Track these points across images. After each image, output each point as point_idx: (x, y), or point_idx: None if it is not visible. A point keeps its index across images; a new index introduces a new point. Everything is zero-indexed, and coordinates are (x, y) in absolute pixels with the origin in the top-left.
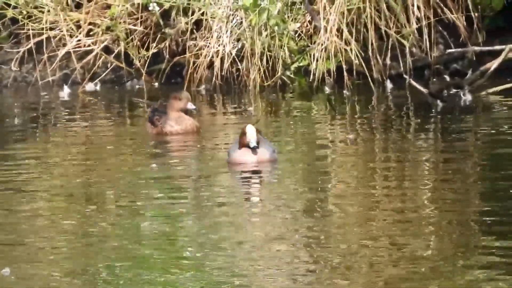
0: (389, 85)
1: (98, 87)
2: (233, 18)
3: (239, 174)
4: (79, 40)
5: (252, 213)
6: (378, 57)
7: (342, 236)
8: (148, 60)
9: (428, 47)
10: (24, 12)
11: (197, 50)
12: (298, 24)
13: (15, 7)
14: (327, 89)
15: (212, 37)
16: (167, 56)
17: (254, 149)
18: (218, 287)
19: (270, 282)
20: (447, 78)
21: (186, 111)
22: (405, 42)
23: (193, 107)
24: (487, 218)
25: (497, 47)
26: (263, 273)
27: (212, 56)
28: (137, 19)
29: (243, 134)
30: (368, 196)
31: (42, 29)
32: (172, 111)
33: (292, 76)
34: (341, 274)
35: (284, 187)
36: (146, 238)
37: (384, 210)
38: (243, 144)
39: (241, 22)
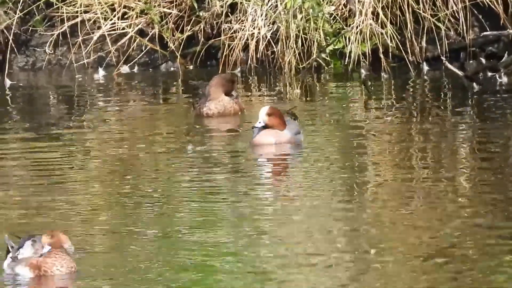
0: (425, 67)
1: (135, 69)
2: (268, 1)
3: (264, 155)
4: (114, 23)
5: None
6: (414, 40)
7: (379, 211)
8: (182, 43)
9: (464, 30)
10: None
11: (231, 33)
12: (333, 7)
13: None
14: (362, 72)
15: (247, 20)
16: (202, 39)
17: (254, 129)
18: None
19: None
20: (483, 60)
21: (230, 94)
22: (440, 25)
23: (235, 94)
24: None
25: None
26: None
27: (247, 39)
28: (172, 2)
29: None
30: (405, 181)
31: (77, 12)
32: (215, 93)
33: (327, 58)
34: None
35: (319, 169)
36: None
37: (420, 187)
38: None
39: (276, 5)
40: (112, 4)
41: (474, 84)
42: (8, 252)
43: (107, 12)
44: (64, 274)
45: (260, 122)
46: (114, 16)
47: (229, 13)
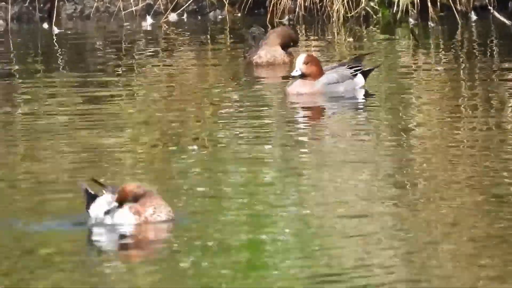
0: (473, 16)
1: (184, 17)
2: None
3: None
4: None
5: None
6: None
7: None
8: None
9: None
10: None
11: None
12: None
13: None
14: (411, 21)
15: None
16: None
17: (293, 78)
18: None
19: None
20: None
21: (285, 49)
22: None
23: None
24: None
25: None
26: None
27: None
28: None
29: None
30: (452, 136)
31: None
32: (272, 40)
33: (375, 7)
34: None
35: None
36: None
37: (468, 145)
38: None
39: None
40: None
41: None
42: (90, 198)
43: None
44: (163, 220)
45: (297, 71)
46: None
47: None
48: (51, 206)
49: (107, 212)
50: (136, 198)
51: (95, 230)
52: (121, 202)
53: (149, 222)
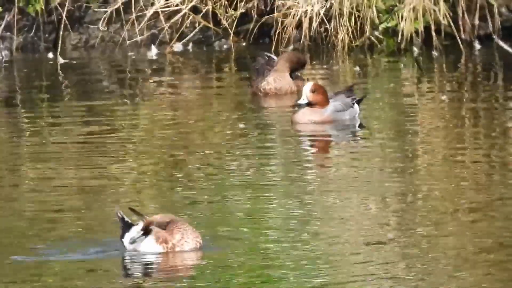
0: (477, 45)
1: (189, 47)
2: None
3: (304, 133)
4: (167, 0)
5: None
6: (467, 17)
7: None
8: (236, 20)
9: None
10: None
11: (285, 10)
12: None
13: None
14: (415, 50)
15: None
16: (255, 16)
17: (299, 106)
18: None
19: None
20: None
21: (294, 73)
22: (493, 2)
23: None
24: None
25: None
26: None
27: (301, 16)
28: None
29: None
30: (456, 163)
31: None
32: (282, 66)
33: (380, 36)
34: None
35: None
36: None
37: (471, 168)
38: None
39: None
40: None
41: None
42: (125, 227)
43: None
44: (191, 248)
45: (303, 99)
46: None
47: None
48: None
49: (132, 241)
50: (161, 226)
51: (126, 258)
52: (146, 229)
53: (176, 249)
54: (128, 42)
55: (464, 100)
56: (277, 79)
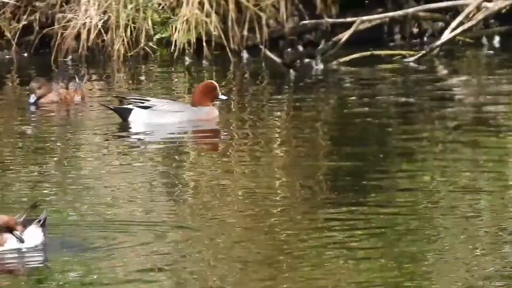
0: (245, 55)
1: None
2: None
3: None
4: None
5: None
6: (236, 28)
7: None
8: (18, 32)
9: (284, 19)
10: None
11: (65, 22)
12: None
13: None
14: (186, 60)
15: (80, 9)
16: (37, 28)
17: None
18: None
19: None
20: (301, 48)
21: (72, 81)
22: (262, 14)
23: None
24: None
25: (349, 19)
26: None
27: (80, 28)
28: None
29: (214, 89)
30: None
31: None
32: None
33: (154, 46)
34: None
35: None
36: None
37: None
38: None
39: None
40: None
41: (291, 70)
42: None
43: None
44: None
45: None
46: None
47: (64, 3)
48: None
49: None
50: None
51: None
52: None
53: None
54: None
55: (231, 103)
56: (55, 92)
